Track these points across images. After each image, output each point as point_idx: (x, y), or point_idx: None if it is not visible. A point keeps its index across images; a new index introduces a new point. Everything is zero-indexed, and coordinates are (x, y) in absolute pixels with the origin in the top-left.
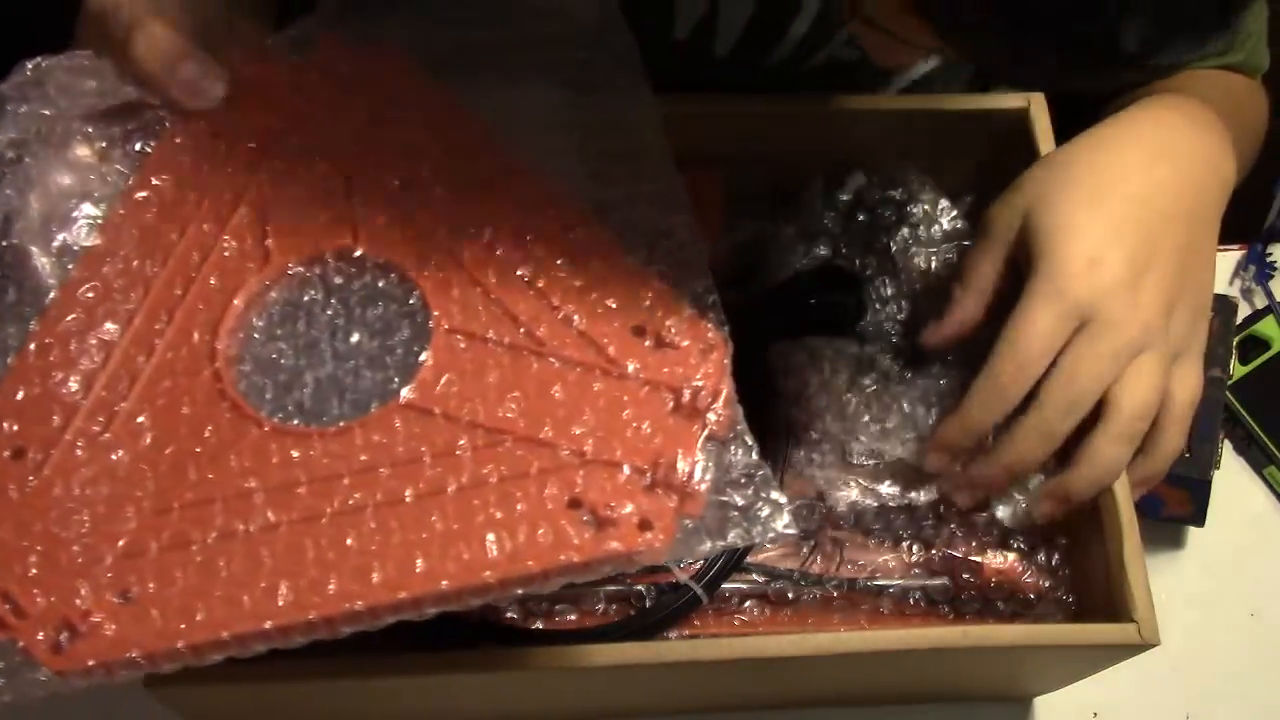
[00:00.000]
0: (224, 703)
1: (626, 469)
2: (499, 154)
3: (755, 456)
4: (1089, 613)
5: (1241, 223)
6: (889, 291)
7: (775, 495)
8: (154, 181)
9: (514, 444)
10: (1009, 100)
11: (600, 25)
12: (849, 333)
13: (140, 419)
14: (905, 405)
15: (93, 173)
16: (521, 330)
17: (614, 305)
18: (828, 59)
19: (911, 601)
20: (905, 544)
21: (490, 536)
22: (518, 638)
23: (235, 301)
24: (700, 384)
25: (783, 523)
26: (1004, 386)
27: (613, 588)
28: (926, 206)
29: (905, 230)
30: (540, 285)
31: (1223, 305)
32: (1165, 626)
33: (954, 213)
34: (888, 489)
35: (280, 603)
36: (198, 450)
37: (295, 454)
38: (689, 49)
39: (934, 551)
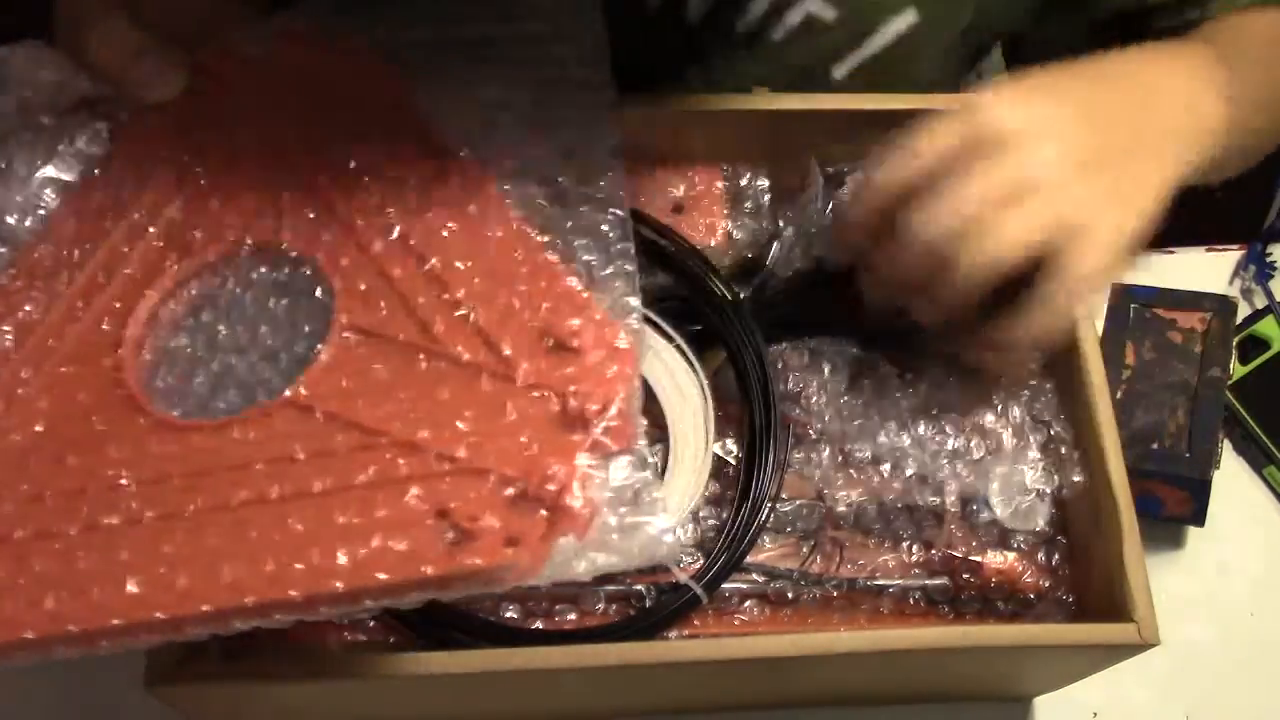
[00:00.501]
0: (224, 703)
1: (493, 478)
2: (439, 152)
3: (648, 474)
4: (1089, 613)
5: (1241, 223)
6: None
7: (662, 516)
8: (99, 174)
9: (388, 446)
10: None
11: (575, 16)
12: (848, 333)
13: (39, 404)
14: (905, 406)
15: (52, 162)
16: (416, 327)
17: (519, 305)
18: (805, 18)
19: (911, 601)
20: (905, 544)
21: (343, 544)
22: (517, 638)
23: (148, 291)
24: (590, 392)
25: (665, 545)
26: (890, 168)
27: (612, 587)
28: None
29: None
30: (445, 280)
31: (1223, 305)
32: (1165, 626)
33: None
34: (888, 489)
35: (128, 599)
36: (82, 438)
37: (174, 447)
38: (661, 16)
39: (934, 551)
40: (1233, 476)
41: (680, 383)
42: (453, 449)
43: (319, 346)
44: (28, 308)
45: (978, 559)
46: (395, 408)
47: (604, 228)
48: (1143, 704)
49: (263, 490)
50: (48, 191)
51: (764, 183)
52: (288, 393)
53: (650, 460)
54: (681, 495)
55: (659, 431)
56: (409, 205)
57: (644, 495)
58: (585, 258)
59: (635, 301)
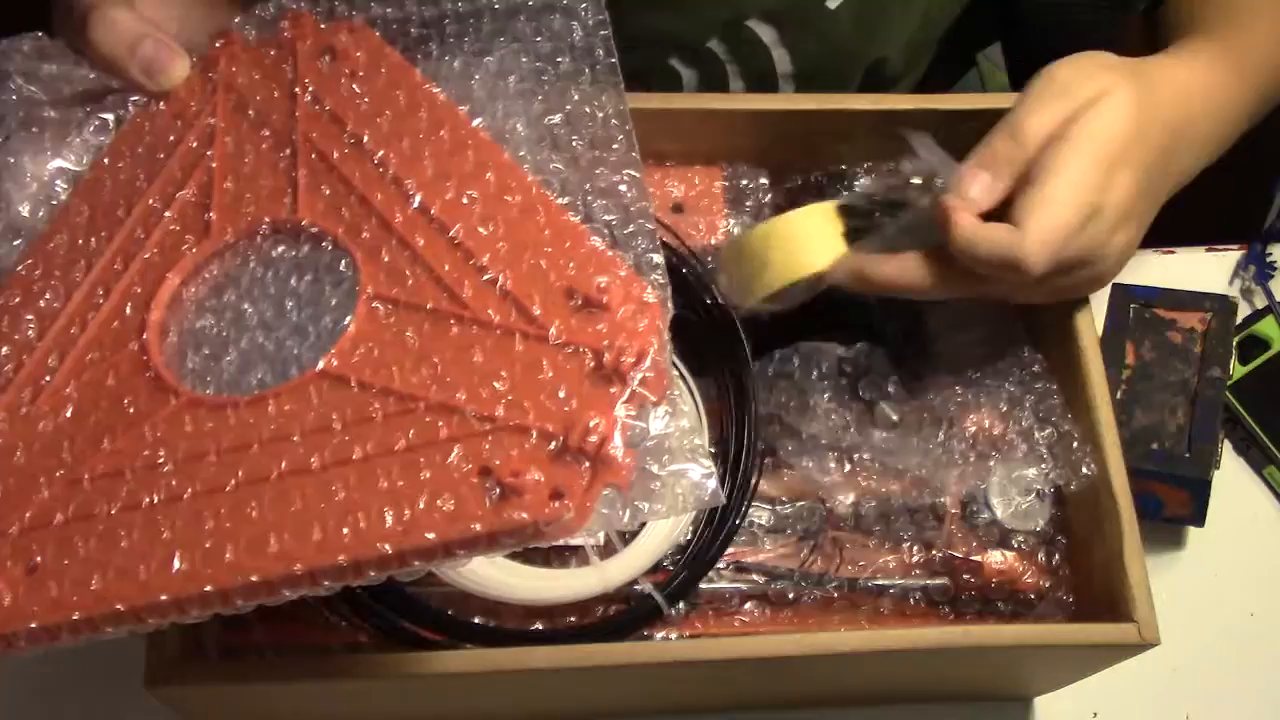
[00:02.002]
0: (224, 703)
1: (535, 434)
2: (452, 123)
3: (685, 422)
4: (1089, 613)
5: (1241, 223)
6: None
7: (704, 463)
8: (108, 163)
9: (425, 410)
10: (1009, 100)
11: None
12: (846, 334)
13: (67, 390)
14: (905, 406)
15: (61, 154)
16: (445, 294)
17: (545, 266)
18: None
19: (911, 601)
20: (905, 544)
21: (389, 507)
22: (517, 638)
23: (169, 275)
24: (624, 345)
25: (709, 490)
26: (998, 164)
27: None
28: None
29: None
30: (469, 247)
31: (1223, 305)
32: (1165, 626)
33: None
34: (888, 489)
35: (175, 576)
36: (115, 421)
37: (209, 424)
38: None
39: (934, 551)
40: (1233, 476)
41: (674, 403)
42: (491, 408)
43: (347, 318)
44: (48, 297)
45: (978, 559)
46: (430, 373)
47: (621, 188)
48: (1143, 704)
49: (302, 461)
50: (58, 183)
51: (764, 182)
52: (320, 365)
53: (685, 409)
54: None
55: None
56: (426, 177)
57: (683, 443)
58: (605, 218)
59: (658, 258)
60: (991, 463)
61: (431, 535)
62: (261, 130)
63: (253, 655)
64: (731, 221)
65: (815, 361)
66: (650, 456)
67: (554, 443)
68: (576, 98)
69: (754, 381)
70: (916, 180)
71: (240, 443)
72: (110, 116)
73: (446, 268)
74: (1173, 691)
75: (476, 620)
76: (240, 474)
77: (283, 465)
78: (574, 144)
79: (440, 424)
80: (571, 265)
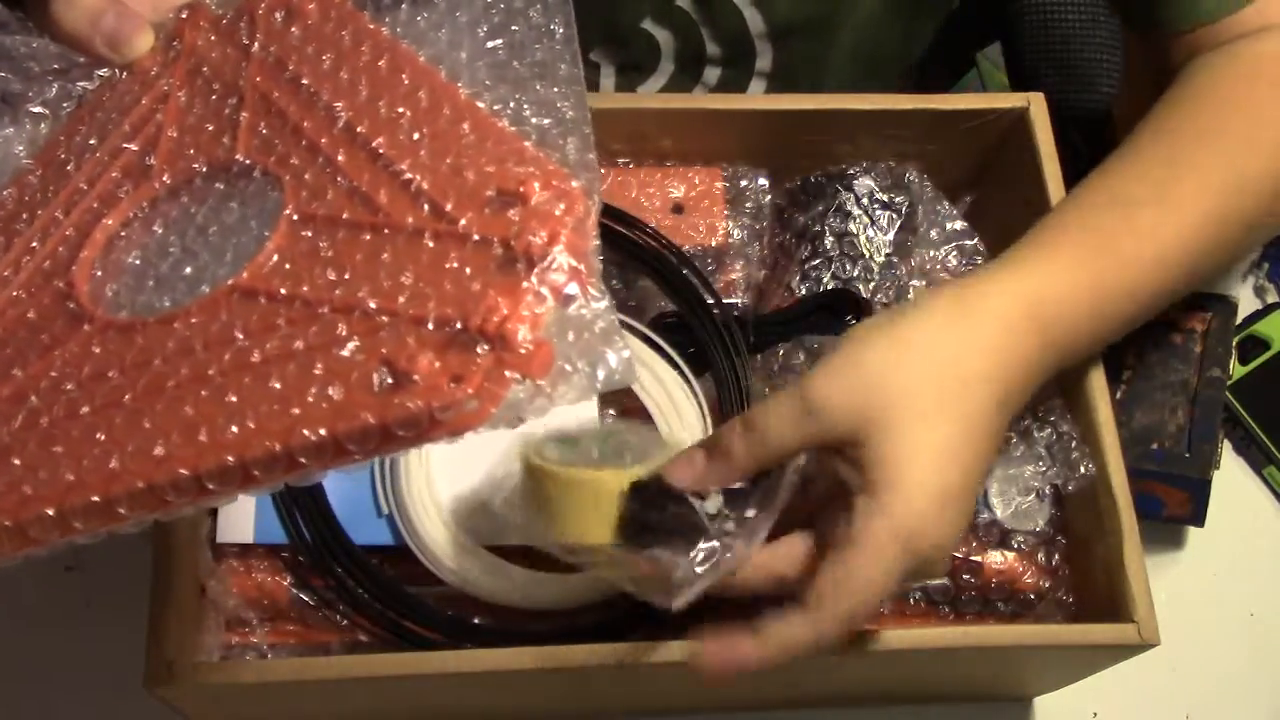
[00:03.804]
0: (224, 703)
1: (432, 322)
2: (389, 53)
3: (604, 304)
4: (1089, 613)
5: None
6: (891, 296)
7: (617, 342)
8: (66, 129)
9: (329, 312)
10: (1009, 100)
11: None
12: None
13: None
14: None
15: (23, 123)
16: (361, 203)
17: (465, 165)
18: None
19: (911, 602)
20: None
21: (277, 404)
22: (517, 638)
23: (106, 220)
24: (535, 229)
25: (619, 370)
26: (826, 631)
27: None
28: (926, 207)
29: (904, 229)
30: (391, 156)
31: (1223, 305)
32: (1165, 626)
33: (954, 213)
34: None
35: (61, 487)
36: (29, 351)
37: (115, 345)
38: None
39: None
40: (1233, 476)
41: (677, 402)
42: (392, 303)
43: (266, 236)
44: None
45: (978, 559)
46: (338, 278)
47: (557, 100)
48: (1143, 704)
49: (200, 370)
50: (18, 148)
51: (764, 183)
52: (230, 281)
53: (605, 292)
54: None
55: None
56: (358, 101)
57: (598, 325)
58: (538, 121)
59: (591, 155)
60: (991, 463)
61: (321, 430)
62: (213, 85)
63: (253, 655)
64: (730, 223)
65: (819, 355)
66: (561, 340)
67: (450, 326)
68: (524, 26)
69: (752, 378)
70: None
71: (143, 359)
72: (76, 88)
73: (366, 178)
74: (1173, 691)
75: (476, 620)
76: (138, 387)
77: (180, 375)
78: (515, 66)
79: (340, 323)
80: (492, 164)
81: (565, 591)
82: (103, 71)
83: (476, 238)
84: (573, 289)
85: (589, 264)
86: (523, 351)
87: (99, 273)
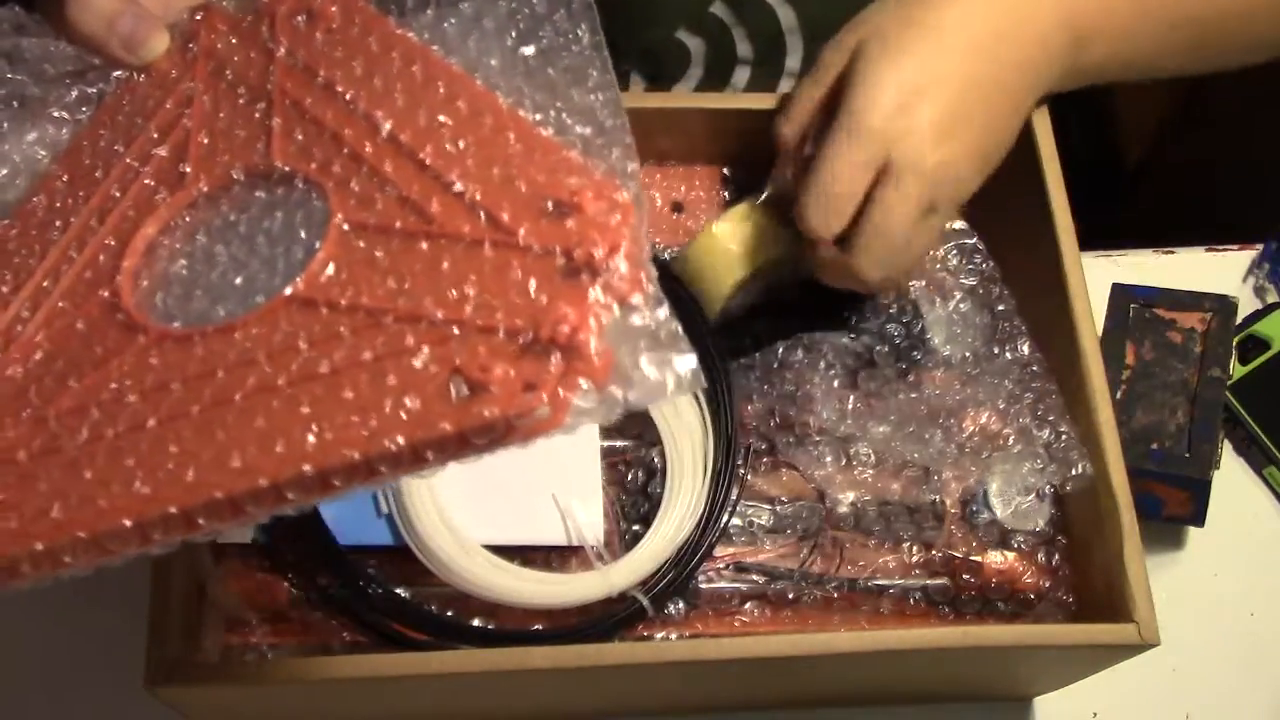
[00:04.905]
0: (224, 703)
1: (502, 331)
2: (420, 60)
3: (663, 311)
4: (1089, 613)
5: (1257, 221)
6: (890, 297)
7: (684, 352)
8: (89, 133)
9: (393, 322)
10: None
11: None
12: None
13: (37, 339)
14: (905, 406)
15: (44, 127)
16: (413, 213)
17: (515, 176)
18: None
19: (911, 601)
20: (905, 544)
21: (354, 415)
22: (516, 638)
23: (144, 226)
24: (595, 239)
25: (688, 375)
26: (816, 227)
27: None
28: None
29: None
30: (438, 166)
31: (1223, 305)
32: (1165, 626)
33: None
34: (888, 489)
35: (136, 499)
36: (84, 362)
37: (175, 356)
38: None
39: (934, 552)
40: (1233, 476)
41: (677, 402)
42: (459, 312)
43: (316, 245)
44: (23, 253)
45: (978, 559)
46: (397, 287)
47: (596, 107)
48: (1143, 704)
49: (268, 381)
50: (39, 151)
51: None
52: (287, 290)
53: (664, 299)
54: (681, 518)
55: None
56: (396, 109)
57: (661, 333)
58: (579, 131)
59: (634, 165)
60: (991, 462)
61: (400, 439)
62: (238, 89)
63: (253, 655)
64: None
65: (818, 351)
66: (627, 346)
67: (522, 336)
68: (551, 32)
69: (729, 374)
70: None
71: (206, 370)
72: (93, 90)
73: (415, 188)
74: (1173, 691)
75: (475, 622)
76: (205, 399)
77: (248, 386)
78: (549, 73)
79: (407, 332)
80: (542, 174)
81: (565, 591)
82: (119, 73)
83: (538, 248)
84: (636, 298)
85: (647, 272)
86: (595, 361)
87: (144, 282)
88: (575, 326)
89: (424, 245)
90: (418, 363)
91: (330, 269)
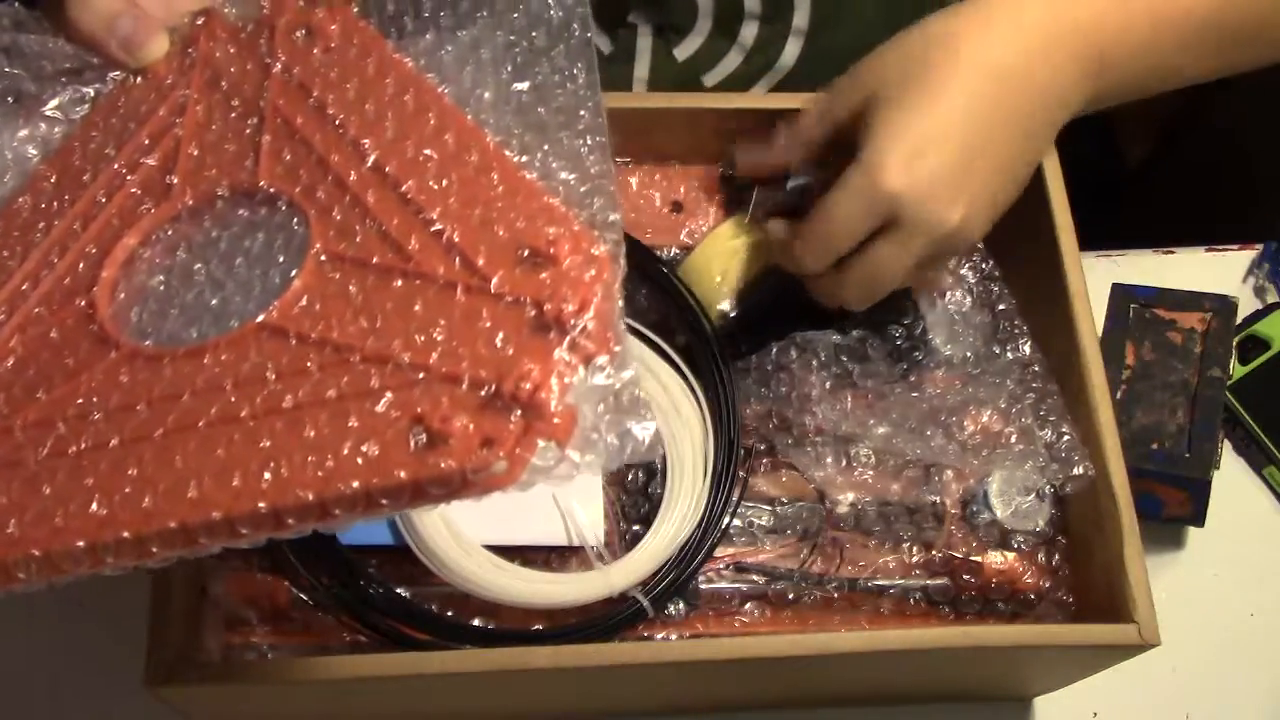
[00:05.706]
0: (224, 703)
1: (466, 382)
2: (414, 89)
3: (629, 373)
4: (1089, 613)
5: (1257, 221)
6: None
7: (644, 414)
8: (80, 134)
9: (360, 360)
10: None
11: None
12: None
13: (11, 344)
14: (905, 407)
15: (36, 124)
16: (391, 248)
17: (494, 219)
18: None
19: (912, 602)
20: (905, 544)
21: (312, 455)
22: (517, 638)
23: (125, 236)
24: (566, 294)
25: (645, 442)
26: (804, 261)
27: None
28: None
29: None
30: (420, 201)
31: (1223, 305)
32: (1165, 626)
33: None
34: (888, 489)
35: (93, 520)
36: (54, 373)
37: (144, 375)
38: None
39: (934, 552)
40: (1233, 476)
41: (677, 402)
42: (425, 358)
43: (292, 273)
44: (4, 254)
45: (978, 559)
46: (369, 325)
47: (583, 152)
48: (1143, 704)
49: (232, 411)
50: (30, 149)
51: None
52: (260, 318)
53: (632, 361)
54: (681, 519)
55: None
56: (385, 138)
57: (624, 395)
58: (564, 176)
59: (615, 216)
60: (991, 462)
61: (355, 484)
62: (232, 100)
63: (253, 655)
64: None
65: (813, 350)
66: (589, 407)
67: (485, 390)
68: (547, 68)
69: (732, 377)
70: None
71: (172, 392)
72: (89, 90)
73: (395, 222)
74: (1173, 691)
75: (475, 622)
76: (168, 423)
77: (211, 414)
78: (540, 112)
79: (373, 374)
80: (522, 220)
81: (565, 591)
82: (115, 74)
83: (509, 298)
84: (602, 359)
85: (616, 332)
86: (555, 421)
87: (121, 294)
88: (537, 385)
89: (398, 283)
90: (380, 407)
91: (304, 300)
